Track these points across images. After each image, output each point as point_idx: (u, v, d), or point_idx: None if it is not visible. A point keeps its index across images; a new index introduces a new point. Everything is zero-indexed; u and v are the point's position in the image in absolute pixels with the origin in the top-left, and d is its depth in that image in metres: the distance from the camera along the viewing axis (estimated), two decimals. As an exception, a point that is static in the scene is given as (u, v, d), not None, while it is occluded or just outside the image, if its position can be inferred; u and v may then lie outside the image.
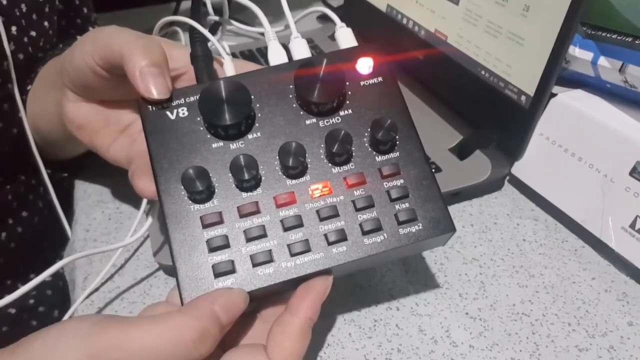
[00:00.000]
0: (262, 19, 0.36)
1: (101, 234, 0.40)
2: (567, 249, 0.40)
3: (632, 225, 0.36)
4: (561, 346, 0.33)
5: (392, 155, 0.31)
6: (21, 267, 0.49)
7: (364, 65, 0.33)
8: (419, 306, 0.35)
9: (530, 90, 0.40)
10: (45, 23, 0.43)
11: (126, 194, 0.43)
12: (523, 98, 0.41)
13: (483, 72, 0.45)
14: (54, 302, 0.50)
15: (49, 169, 0.42)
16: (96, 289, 0.36)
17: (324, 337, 0.33)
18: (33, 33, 0.42)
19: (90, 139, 0.37)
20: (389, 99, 0.32)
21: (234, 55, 0.56)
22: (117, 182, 0.44)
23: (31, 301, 0.49)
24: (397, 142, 0.31)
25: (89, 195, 0.44)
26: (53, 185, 0.43)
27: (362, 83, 0.32)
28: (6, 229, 0.47)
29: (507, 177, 0.45)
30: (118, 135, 0.36)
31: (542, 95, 0.40)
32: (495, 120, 0.45)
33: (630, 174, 0.36)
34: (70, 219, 0.43)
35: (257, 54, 0.62)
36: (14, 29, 0.41)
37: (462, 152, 0.45)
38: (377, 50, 0.33)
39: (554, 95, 0.41)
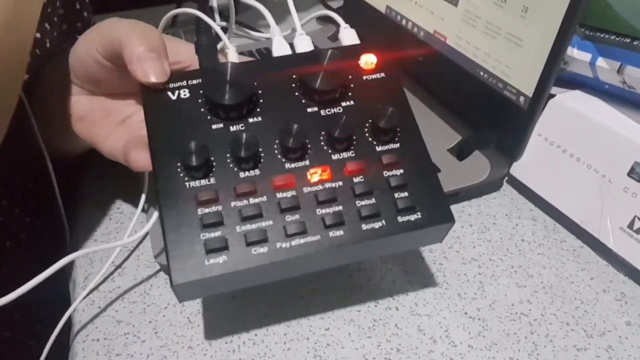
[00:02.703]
0: (267, 16, 0.36)
1: (102, 234, 0.40)
2: (566, 249, 0.40)
3: (630, 226, 0.37)
4: (559, 346, 0.33)
5: (392, 145, 0.31)
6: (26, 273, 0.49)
7: (367, 60, 0.33)
8: (418, 306, 0.35)
9: (529, 91, 0.41)
10: (47, 24, 0.43)
11: (127, 194, 0.43)
12: (522, 99, 0.42)
13: (482, 73, 0.45)
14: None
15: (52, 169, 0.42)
16: (96, 289, 0.36)
17: (323, 337, 0.33)
18: (38, 35, 0.42)
19: (88, 131, 0.36)
20: (391, 93, 0.33)
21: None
22: (118, 182, 0.44)
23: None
24: (398, 134, 0.31)
25: (90, 195, 0.44)
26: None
27: (364, 77, 0.33)
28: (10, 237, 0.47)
29: (506, 178, 0.46)
30: (117, 126, 0.36)
31: (541, 96, 0.40)
32: (494, 120, 0.45)
33: (629, 174, 0.36)
34: (70, 219, 0.43)
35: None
36: None
37: (461, 152, 0.45)
38: (380, 49, 0.33)
39: (552, 96, 0.41)
